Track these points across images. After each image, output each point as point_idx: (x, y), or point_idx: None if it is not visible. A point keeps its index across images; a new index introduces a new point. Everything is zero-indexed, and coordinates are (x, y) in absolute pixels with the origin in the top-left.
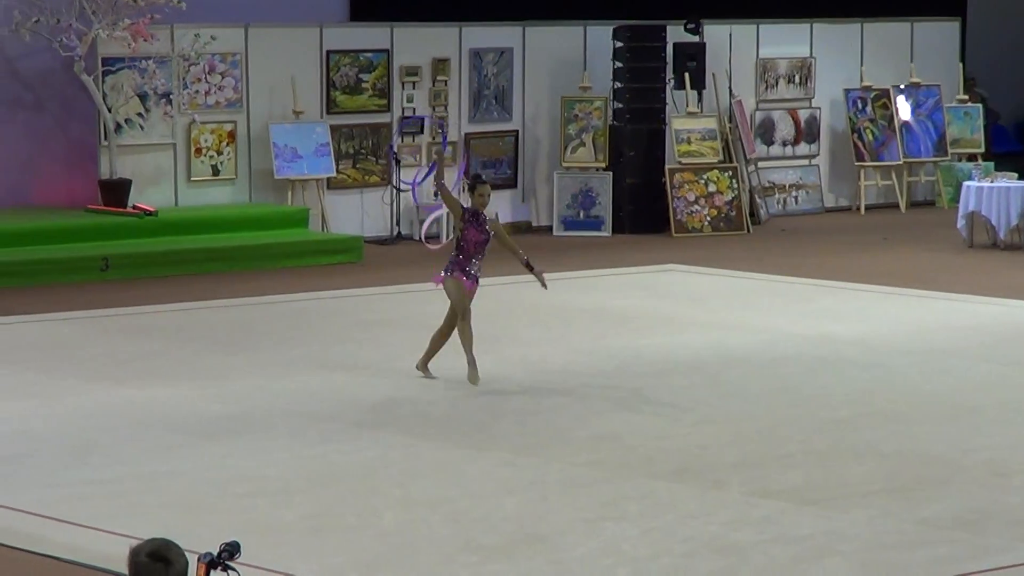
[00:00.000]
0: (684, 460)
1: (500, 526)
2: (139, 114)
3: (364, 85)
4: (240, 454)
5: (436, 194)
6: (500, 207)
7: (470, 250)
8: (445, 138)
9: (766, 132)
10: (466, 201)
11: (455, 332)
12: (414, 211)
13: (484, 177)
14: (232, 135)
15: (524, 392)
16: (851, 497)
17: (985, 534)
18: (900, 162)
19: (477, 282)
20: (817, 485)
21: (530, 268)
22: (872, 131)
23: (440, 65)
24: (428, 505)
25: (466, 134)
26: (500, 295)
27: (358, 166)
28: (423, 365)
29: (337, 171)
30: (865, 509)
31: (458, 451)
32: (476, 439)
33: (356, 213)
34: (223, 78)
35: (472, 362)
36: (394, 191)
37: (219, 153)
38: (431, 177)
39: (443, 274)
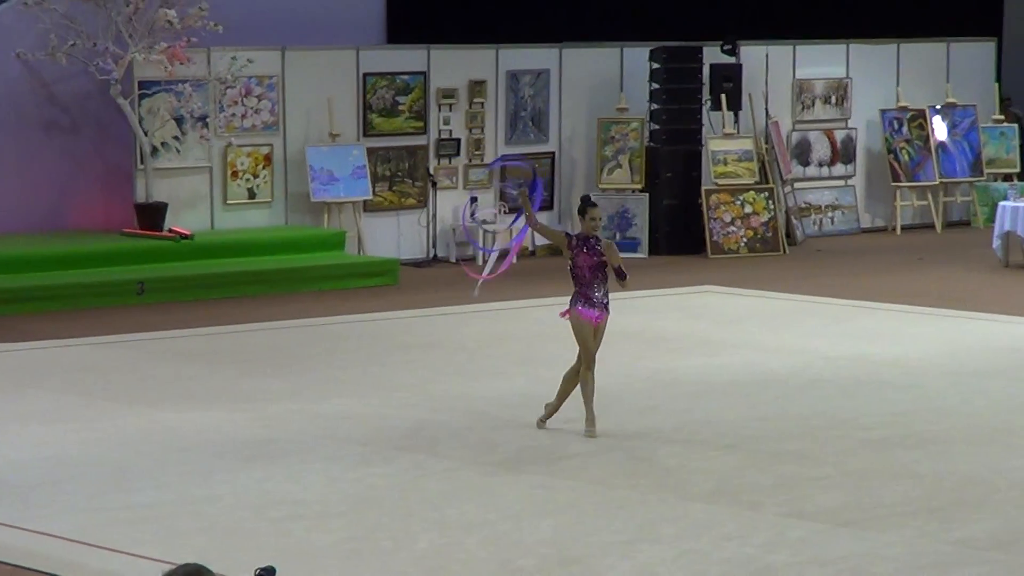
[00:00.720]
0: (720, 482)
1: (536, 549)
2: (175, 137)
3: (401, 107)
4: (277, 478)
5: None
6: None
7: (586, 276)
8: (539, 184)
9: (802, 153)
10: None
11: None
12: (451, 234)
13: (593, 199)
14: (268, 158)
15: (560, 416)
16: (887, 518)
17: (1021, 555)
18: (936, 182)
19: (607, 309)
20: (853, 506)
21: (621, 276)
22: (908, 151)
23: (477, 87)
24: (464, 528)
25: (502, 156)
26: (536, 316)
27: (394, 189)
28: (547, 416)
29: (373, 193)
30: (901, 530)
31: (494, 474)
32: (512, 462)
33: (392, 236)
34: (260, 101)
35: (591, 418)
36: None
37: (255, 176)
38: (518, 222)
39: (568, 308)
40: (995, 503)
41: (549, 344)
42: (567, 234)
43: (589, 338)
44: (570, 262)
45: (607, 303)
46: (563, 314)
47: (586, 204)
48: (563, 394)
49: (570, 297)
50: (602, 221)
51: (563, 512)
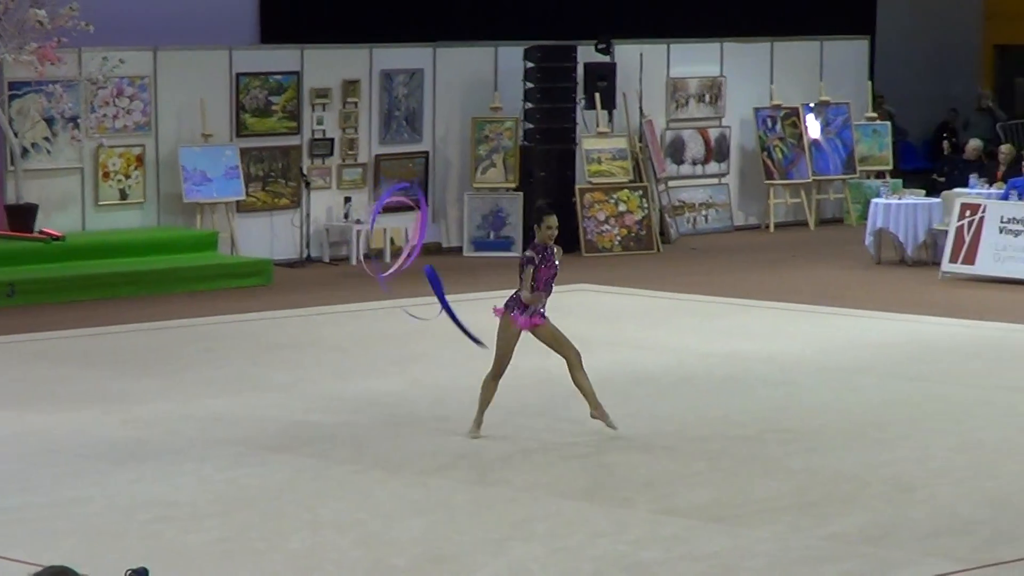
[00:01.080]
0: (593, 479)
1: (408, 548)
2: (46, 138)
3: (274, 107)
4: (148, 479)
5: None
6: (411, 229)
7: (539, 287)
8: (422, 200)
9: (676, 151)
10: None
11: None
12: (324, 233)
13: (547, 206)
14: (140, 159)
15: (434, 414)
16: (759, 514)
17: (891, 548)
18: (809, 180)
19: (544, 317)
20: (725, 502)
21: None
22: (781, 149)
23: (350, 87)
24: (337, 528)
25: (376, 156)
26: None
27: (267, 189)
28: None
29: (247, 194)
30: (773, 525)
31: (367, 473)
32: (385, 461)
33: (266, 236)
34: (131, 101)
35: (478, 421)
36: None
37: (127, 177)
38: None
39: (504, 309)
40: (866, 498)
41: (423, 343)
42: (530, 257)
43: (511, 345)
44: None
45: (543, 311)
46: (498, 313)
47: (542, 213)
48: (484, 402)
49: (508, 299)
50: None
51: (435, 511)
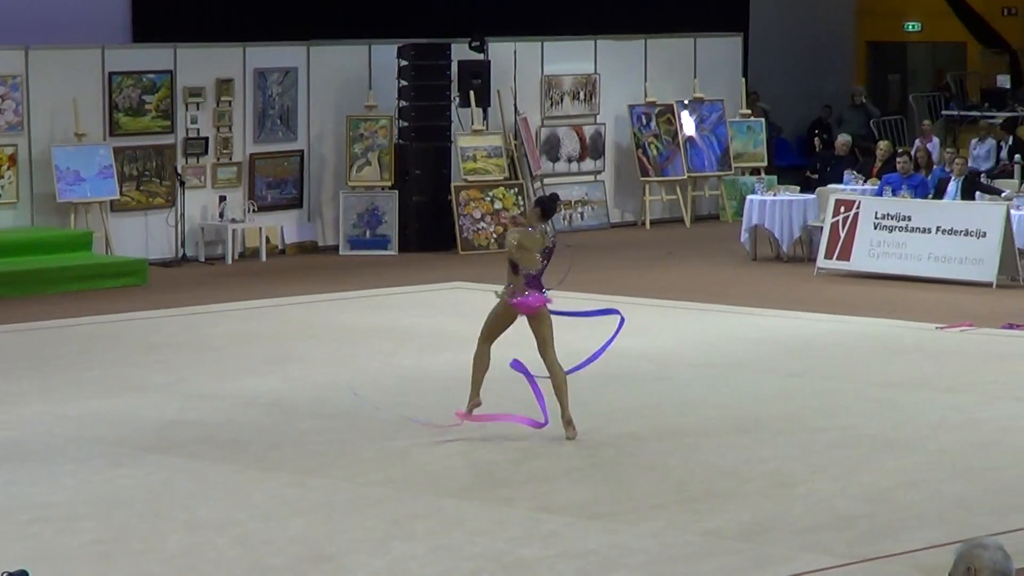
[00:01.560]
0: (472, 477)
1: (287, 548)
2: None
3: (147, 106)
4: (24, 481)
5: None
6: (286, 227)
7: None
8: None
9: (551, 149)
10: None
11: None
12: (199, 232)
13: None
14: (13, 159)
15: (312, 412)
16: (638, 511)
17: (769, 544)
18: (684, 177)
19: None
20: (604, 499)
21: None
22: (656, 146)
23: (224, 85)
24: (215, 528)
25: (251, 154)
26: (288, 314)
27: (142, 188)
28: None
29: (121, 193)
30: (652, 522)
31: (245, 473)
32: (263, 460)
33: (140, 235)
34: (3, 101)
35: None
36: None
37: (0, 177)
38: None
39: (520, 298)
40: (744, 494)
41: (299, 342)
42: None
43: (497, 327)
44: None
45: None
46: (529, 304)
47: (555, 202)
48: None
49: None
50: None
51: (314, 510)
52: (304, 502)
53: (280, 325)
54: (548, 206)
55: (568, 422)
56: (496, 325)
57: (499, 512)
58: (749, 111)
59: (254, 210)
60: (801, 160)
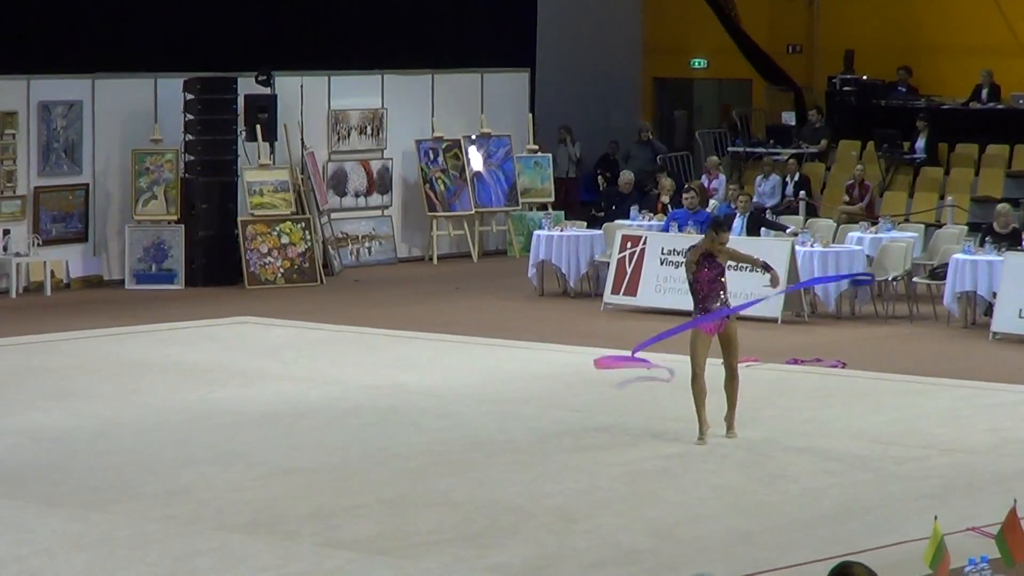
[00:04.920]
0: (256, 512)
1: None
2: None
3: None
4: None
5: None
6: (71, 261)
7: (705, 291)
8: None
9: (339, 183)
10: None
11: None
12: None
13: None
14: None
15: (95, 447)
16: (423, 546)
17: None
18: (472, 212)
19: (728, 317)
20: (389, 535)
21: (767, 268)
22: (444, 181)
23: (8, 118)
24: None
25: (36, 188)
26: (73, 349)
27: None
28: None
29: None
30: (437, 557)
31: (28, 508)
32: (45, 495)
33: None
34: None
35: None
36: None
37: None
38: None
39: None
40: (529, 529)
41: (84, 377)
42: (698, 257)
43: (699, 356)
44: (692, 278)
45: (726, 310)
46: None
47: (719, 228)
48: (730, 402)
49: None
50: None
51: (97, 546)
52: (87, 538)
53: (65, 360)
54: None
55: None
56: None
57: (283, 547)
58: (536, 147)
59: (39, 244)
60: (590, 196)
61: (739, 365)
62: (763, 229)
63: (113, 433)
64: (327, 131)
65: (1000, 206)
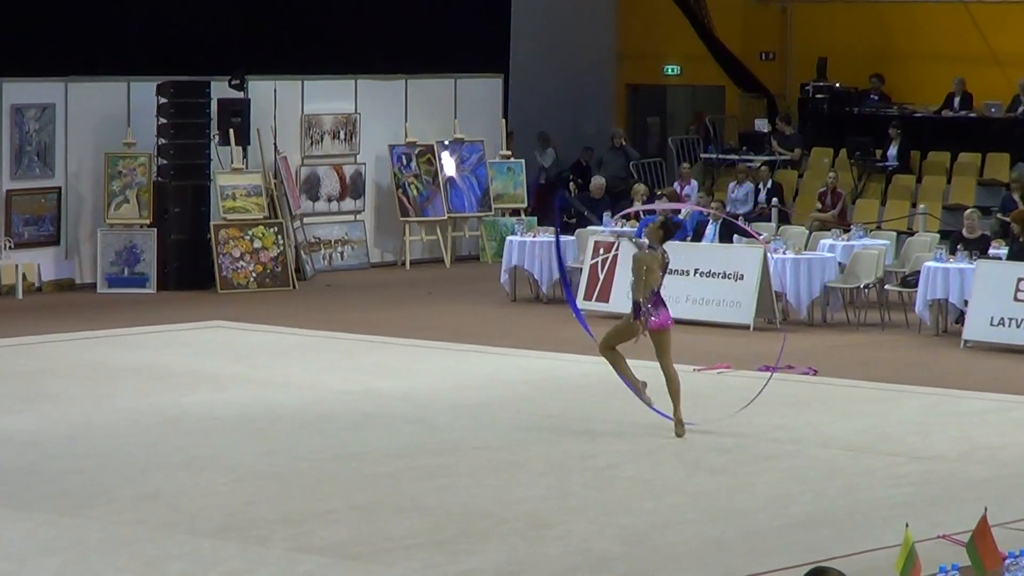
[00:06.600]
0: (228, 517)
1: None
2: None
3: None
4: None
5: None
6: (43, 264)
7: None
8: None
9: (312, 188)
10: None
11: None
12: None
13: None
14: None
15: (66, 451)
16: (394, 551)
17: None
18: (445, 217)
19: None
20: (360, 540)
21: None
22: (417, 186)
23: None
24: None
25: (8, 191)
26: (44, 353)
27: None
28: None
29: None
30: (408, 562)
31: None
32: (16, 499)
33: None
34: None
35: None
36: None
37: None
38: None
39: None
40: (501, 534)
41: (55, 381)
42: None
43: (623, 331)
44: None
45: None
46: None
47: (677, 227)
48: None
49: (647, 308)
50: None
51: (68, 550)
52: (58, 542)
53: (36, 363)
54: (672, 229)
55: (679, 421)
56: (619, 337)
57: (254, 552)
58: (509, 152)
59: (11, 247)
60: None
61: (683, 369)
62: (735, 236)
63: (84, 437)
64: (300, 135)
65: (968, 211)
